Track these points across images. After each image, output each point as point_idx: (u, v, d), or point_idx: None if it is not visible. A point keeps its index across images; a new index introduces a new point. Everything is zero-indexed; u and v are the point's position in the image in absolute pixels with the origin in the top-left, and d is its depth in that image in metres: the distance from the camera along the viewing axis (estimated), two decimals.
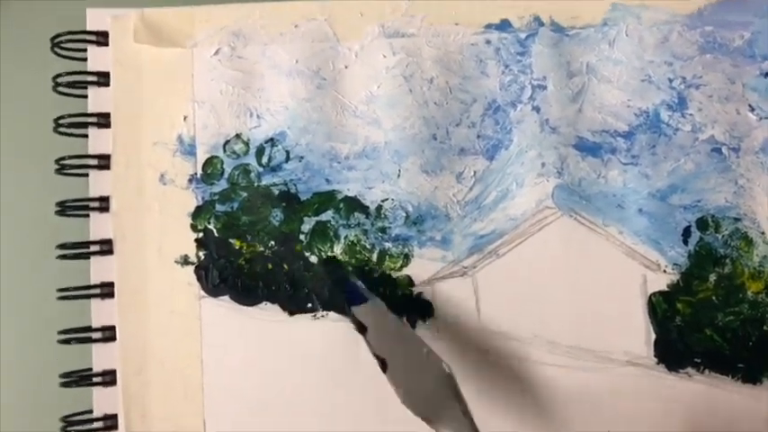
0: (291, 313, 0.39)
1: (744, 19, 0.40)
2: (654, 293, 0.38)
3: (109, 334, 0.38)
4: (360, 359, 0.38)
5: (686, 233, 0.39)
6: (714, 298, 0.38)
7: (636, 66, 0.40)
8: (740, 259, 0.39)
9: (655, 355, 0.38)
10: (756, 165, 0.39)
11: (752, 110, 0.39)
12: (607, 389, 0.38)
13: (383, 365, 0.33)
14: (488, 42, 0.40)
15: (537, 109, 0.39)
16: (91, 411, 0.38)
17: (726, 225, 0.39)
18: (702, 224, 0.39)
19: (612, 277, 0.38)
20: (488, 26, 0.40)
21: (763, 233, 0.39)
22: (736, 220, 0.39)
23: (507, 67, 0.40)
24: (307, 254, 0.39)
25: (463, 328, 0.39)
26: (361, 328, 0.35)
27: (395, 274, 0.39)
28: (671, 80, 0.39)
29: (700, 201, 0.39)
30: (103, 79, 0.40)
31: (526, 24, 0.40)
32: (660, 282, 0.38)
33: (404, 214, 0.39)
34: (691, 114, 0.39)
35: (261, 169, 0.40)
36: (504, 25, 0.40)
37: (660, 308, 0.38)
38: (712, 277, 0.38)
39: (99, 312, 0.39)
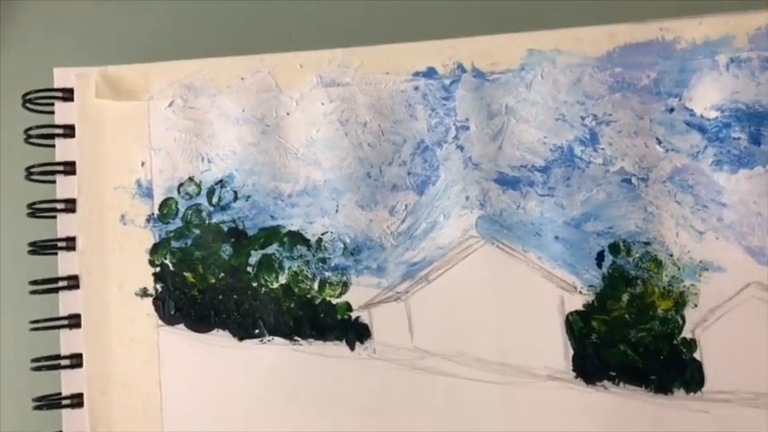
0: (241, 339, 0.42)
1: (650, 60, 0.42)
2: (571, 313, 0.41)
3: (76, 361, 0.41)
4: (303, 380, 0.41)
5: (600, 257, 0.41)
6: (627, 316, 0.41)
7: (551, 106, 0.42)
8: (650, 280, 0.41)
9: (573, 370, 0.41)
10: (664, 193, 0.42)
11: (659, 143, 0.42)
12: (530, 401, 0.40)
13: None
14: (416, 89, 0.43)
15: (461, 148, 0.43)
16: (61, 431, 0.42)
17: (636, 249, 0.41)
18: (614, 249, 0.41)
19: (532, 299, 0.41)
20: (416, 74, 0.43)
21: (671, 255, 0.41)
22: (646, 244, 0.41)
23: (434, 110, 0.43)
24: (254, 284, 0.43)
25: (398, 348, 0.42)
26: None
27: (335, 301, 0.42)
28: (583, 118, 0.42)
29: (612, 227, 0.42)
30: (69, 131, 0.43)
31: (450, 71, 0.43)
32: (576, 302, 0.41)
33: (342, 246, 0.43)
34: (602, 148, 0.42)
35: (212, 208, 0.43)
36: (430, 73, 0.43)
37: (577, 326, 0.41)
38: (625, 297, 0.41)
39: (67, 341, 0.42)
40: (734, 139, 0.41)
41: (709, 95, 0.42)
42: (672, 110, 0.42)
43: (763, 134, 0.41)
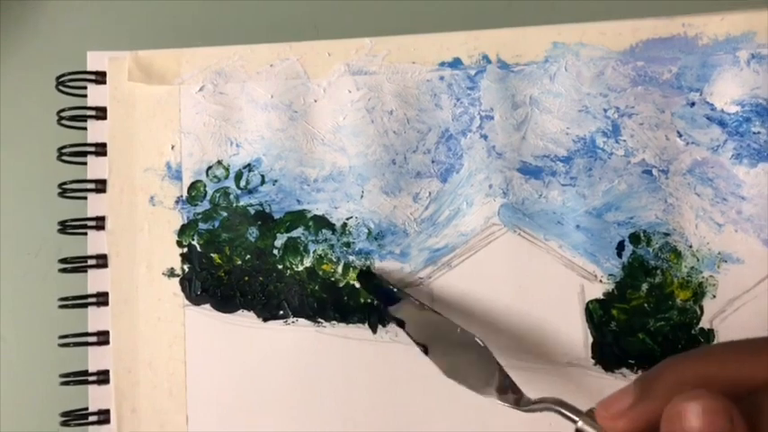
0: (265, 320, 0.43)
1: (671, 55, 0.43)
2: (591, 301, 0.42)
3: (103, 338, 0.42)
4: (325, 361, 0.42)
5: (620, 247, 0.42)
6: (646, 305, 0.41)
7: (574, 98, 0.43)
8: (670, 270, 0.42)
9: (592, 357, 0.41)
10: (684, 185, 0.43)
11: (679, 136, 0.43)
12: (549, 387, 0.41)
13: (425, 350, 0.38)
14: (442, 78, 0.44)
15: (485, 137, 0.44)
16: (87, 408, 0.42)
17: (656, 239, 0.42)
18: (635, 239, 0.42)
19: (553, 286, 0.42)
20: (442, 64, 0.44)
21: (690, 246, 0.42)
22: (666, 234, 0.42)
23: (458, 100, 0.44)
24: (279, 267, 0.43)
25: None
26: (400, 324, 0.39)
27: (358, 284, 0.43)
28: (606, 110, 0.43)
29: (632, 218, 0.42)
30: (101, 113, 0.44)
31: (475, 62, 0.44)
32: (597, 291, 0.42)
33: (366, 231, 0.43)
34: (624, 140, 0.43)
35: (239, 192, 0.44)
36: (455, 63, 0.44)
37: (597, 314, 0.42)
38: (644, 286, 0.42)
39: (95, 319, 0.43)
40: (754, 133, 0.42)
41: (729, 90, 0.43)
42: (693, 104, 0.43)
43: None
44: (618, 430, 0.29)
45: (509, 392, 0.37)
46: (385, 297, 0.41)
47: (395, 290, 0.41)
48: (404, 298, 0.40)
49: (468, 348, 0.38)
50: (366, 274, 0.42)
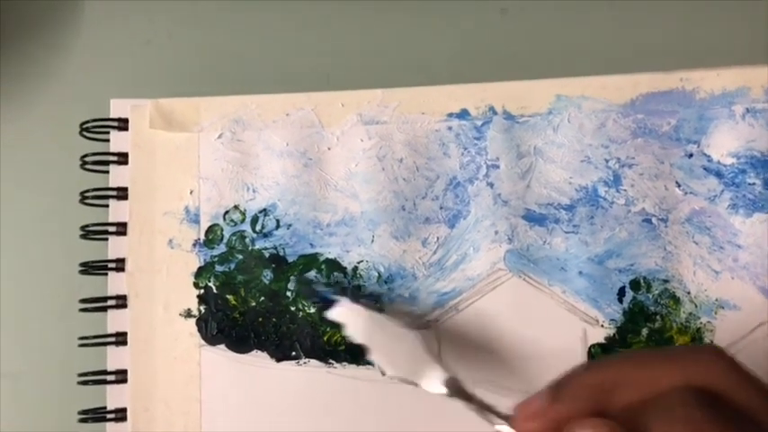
0: (278, 360, 0.44)
1: (670, 108, 0.45)
2: (593, 345, 0.43)
3: (121, 377, 0.44)
4: (336, 401, 0.43)
5: (621, 293, 0.44)
6: None
7: (576, 148, 0.45)
8: (669, 316, 0.43)
9: None
10: (682, 233, 0.44)
11: (678, 186, 0.44)
12: None
13: (366, 350, 0.39)
14: (450, 128, 0.46)
15: (491, 185, 0.45)
16: None
17: (656, 286, 0.44)
18: (635, 285, 0.44)
19: (557, 330, 0.43)
20: (450, 115, 0.46)
21: (688, 293, 0.43)
22: (665, 281, 0.44)
23: (466, 149, 0.46)
24: (292, 308, 0.45)
25: None
26: (338, 327, 0.41)
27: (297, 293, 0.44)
28: (607, 160, 0.45)
29: (633, 264, 0.44)
30: (123, 159, 0.45)
31: (482, 113, 0.46)
32: (599, 335, 0.43)
33: (376, 274, 0.45)
34: (624, 190, 0.45)
35: (255, 235, 0.45)
36: (463, 114, 0.46)
37: (599, 358, 0.44)
38: (644, 331, 0.43)
39: (113, 358, 0.44)
40: (749, 184, 0.44)
41: (726, 143, 0.45)
42: (691, 155, 0.45)
43: None
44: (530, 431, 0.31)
45: (443, 383, 0.38)
46: (321, 301, 0.42)
47: (331, 293, 0.42)
48: (339, 300, 0.42)
49: (405, 340, 0.39)
50: (303, 281, 0.44)
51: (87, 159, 0.45)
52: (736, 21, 0.48)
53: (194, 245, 0.45)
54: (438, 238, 0.45)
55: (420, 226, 0.45)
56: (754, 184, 0.44)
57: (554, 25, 0.49)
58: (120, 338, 0.44)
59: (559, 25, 0.49)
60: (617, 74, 0.46)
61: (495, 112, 0.46)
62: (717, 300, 0.43)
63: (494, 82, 0.46)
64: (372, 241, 0.45)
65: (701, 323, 0.43)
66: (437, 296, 0.44)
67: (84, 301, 0.44)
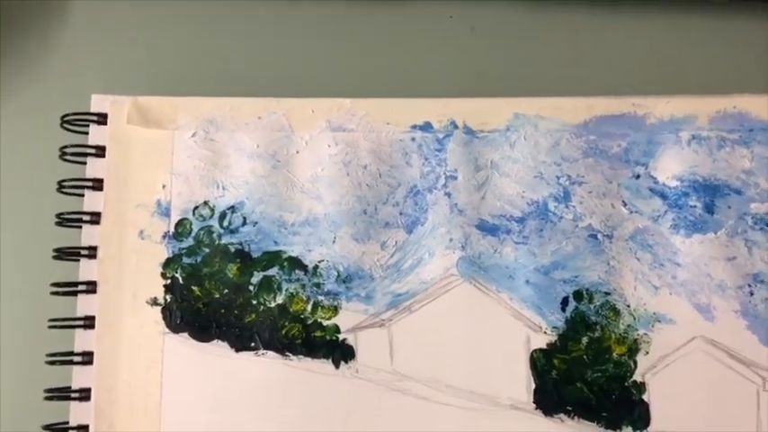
0: (238, 350, 0.46)
1: (621, 131, 0.47)
2: (535, 350, 0.45)
3: (88, 359, 0.45)
4: (291, 392, 0.45)
5: (564, 302, 0.46)
6: (585, 357, 0.45)
7: (530, 164, 0.47)
8: (608, 326, 0.45)
9: (534, 402, 0.45)
10: (626, 249, 0.46)
11: (624, 205, 0.47)
12: (494, 428, 0.44)
13: None
14: (413, 139, 0.48)
15: (448, 195, 0.47)
16: (67, 422, 0.45)
17: (598, 297, 0.46)
18: (578, 296, 0.46)
19: (502, 335, 0.45)
20: (414, 126, 0.48)
21: (628, 305, 0.45)
22: (607, 294, 0.46)
23: (427, 159, 0.48)
24: (254, 302, 0.47)
25: (379, 370, 0.46)
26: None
27: (325, 322, 0.46)
28: (558, 177, 0.47)
29: (577, 276, 0.46)
30: (100, 151, 0.47)
31: (444, 126, 0.48)
32: (541, 341, 0.45)
33: (336, 273, 0.47)
34: (573, 206, 0.47)
35: (222, 231, 0.47)
36: (426, 126, 0.48)
37: (540, 362, 0.45)
38: (584, 340, 0.45)
39: (81, 340, 0.46)
40: (691, 206, 0.46)
41: (671, 166, 0.47)
42: (638, 176, 0.47)
43: (716, 204, 0.46)
44: None
45: None
46: None
47: None
48: None
49: None
50: None
51: (66, 150, 0.47)
52: (688, 52, 0.51)
53: (164, 237, 0.47)
54: (396, 242, 0.47)
55: (380, 230, 0.47)
56: (695, 206, 0.47)
57: (520, 46, 0.52)
58: (89, 322, 0.46)
59: (524, 46, 0.52)
60: (573, 96, 0.48)
61: (456, 126, 0.48)
62: (654, 313, 0.46)
63: (456, 98, 0.48)
64: (334, 242, 0.47)
65: (638, 335, 0.45)
66: (392, 297, 0.46)
67: (56, 285, 0.46)
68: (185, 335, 0.46)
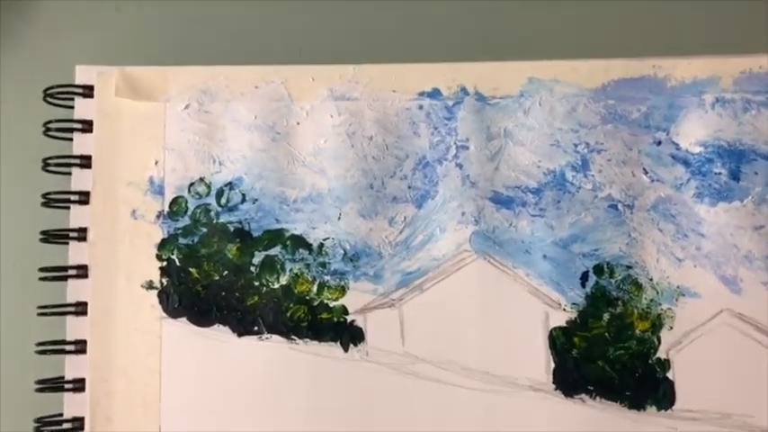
0: (240, 335, 0.44)
1: (641, 95, 0.45)
2: (554, 328, 0.44)
3: (81, 347, 0.43)
4: (297, 377, 0.43)
5: (584, 277, 0.44)
6: (606, 334, 0.43)
7: (546, 132, 0.45)
8: (630, 301, 0.44)
9: (553, 382, 0.43)
10: (647, 220, 0.44)
11: (645, 173, 0.45)
12: (511, 410, 0.43)
13: None
14: (421, 107, 0.46)
15: (460, 166, 0.45)
16: (61, 414, 0.43)
17: (619, 271, 0.44)
18: (598, 270, 0.44)
19: (519, 313, 0.44)
20: (421, 93, 0.46)
21: (651, 279, 0.44)
22: (628, 267, 0.44)
23: (436, 129, 0.46)
24: (256, 283, 0.45)
25: (390, 352, 0.44)
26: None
27: (332, 304, 0.44)
28: (576, 145, 0.45)
29: (597, 250, 0.44)
30: (87, 126, 0.45)
31: (453, 93, 0.46)
32: (560, 318, 0.44)
33: (342, 252, 0.45)
34: (592, 175, 0.45)
35: (219, 209, 0.45)
36: (434, 93, 0.46)
37: (559, 341, 0.44)
38: (606, 316, 0.44)
39: (73, 328, 0.44)
40: (715, 173, 0.44)
41: (694, 131, 0.45)
42: (659, 143, 0.45)
43: (742, 171, 0.44)
44: None
45: None
46: None
47: None
48: None
49: None
50: None
51: (51, 126, 0.45)
52: (709, 10, 0.48)
53: (158, 216, 0.45)
54: (405, 218, 0.45)
55: (388, 205, 0.45)
56: (720, 173, 0.44)
57: (530, 6, 0.49)
58: (80, 308, 0.44)
59: (535, 7, 0.49)
60: (589, 58, 0.45)
61: (466, 93, 0.45)
62: (678, 287, 0.44)
63: (466, 62, 0.46)
64: (339, 218, 0.45)
65: (661, 309, 0.44)
66: (402, 275, 0.44)
67: (44, 269, 0.44)
68: (184, 319, 0.44)
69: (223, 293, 0.44)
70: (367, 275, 0.44)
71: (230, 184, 0.45)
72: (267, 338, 0.44)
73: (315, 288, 0.44)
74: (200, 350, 0.44)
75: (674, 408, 0.43)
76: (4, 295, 0.46)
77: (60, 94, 0.45)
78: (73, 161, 0.45)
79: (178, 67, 0.46)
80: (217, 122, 0.45)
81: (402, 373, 0.44)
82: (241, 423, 0.43)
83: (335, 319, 0.44)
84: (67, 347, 0.43)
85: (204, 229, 0.45)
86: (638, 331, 0.44)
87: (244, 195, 0.45)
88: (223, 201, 0.45)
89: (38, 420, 0.43)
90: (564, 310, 0.44)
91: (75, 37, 0.48)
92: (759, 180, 0.44)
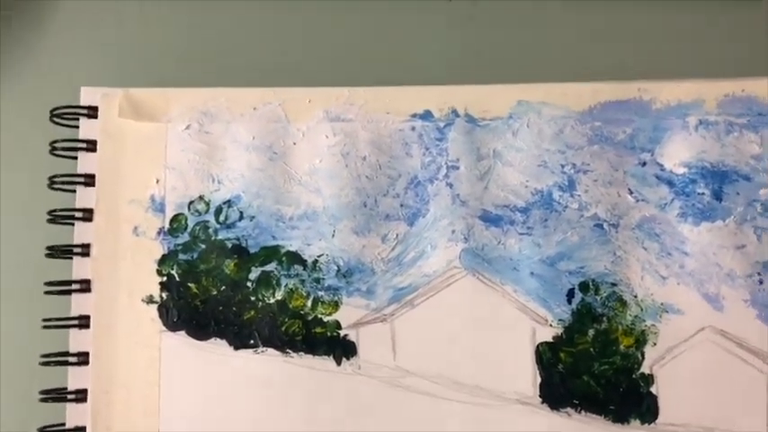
0: (236, 348, 0.45)
1: (626, 117, 0.46)
2: (541, 343, 0.44)
3: (83, 359, 0.44)
4: (292, 390, 0.45)
5: (570, 294, 0.45)
6: (592, 350, 0.44)
7: (534, 153, 0.46)
8: (615, 318, 0.45)
9: (540, 396, 0.44)
10: (632, 239, 0.45)
11: (630, 193, 0.46)
12: (500, 423, 0.44)
13: None
14: (413, 129, 0.47)
15: (450, 185, 0.46)
16: (64, 424, 0.44)
17: (604, 289, 0.45)
18: (584, 287, 0.45)
19: (507, 328, 0.45)
20: (414, 115, 0.47)
21: (635, 296, 0.45)
22: (613, 284, 0.45)
23: (428, 149, 0.47)
24: (252, 298, 0.46)
25: (381, 366, 0.45)
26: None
27: (325, 318, 0.45)
28: (563, 166, 0.46)
29: (583, 267, 0.45)
30: (92, 146, 0.46)
31: (445, 115, 0.47)
32: (546, 334, 0.45)
33: (336, 268, 0.46)
34: (578, 195, 0.46)
35: (218, 226, 0.46)
36: (426, 115, 0.47)
37: (546, 356, 0.45)
38: (591, 332, 0.44)
39: (76, 340, 0.45)
40: (698, 194, 0.45)
41: (678, 153, 0.46)
42: (644, 164, 0.46)
43: (724, 191, 0.45)
44: None
45: None
46: None
47: None
48: None
49: None
50: None
51: (57, 145, 0.46)
52: (694, 34, 0.50)
53: (159, 233, 0.46)
54: (397, 235, 0.46)
55: (380, 222, 0.46)
56: (703, 194, 0.45)
57: (521, 30, 0.50)
58: (83, 322, 0.45)
59: (524, 32, 0.50)
60: (577, 81, 0.47)
61: (457, 115, 0.47)
62: (662, 304, 0.45)
63: (457, 85, 0.47)
64: (333, 236, 0.46)
65: (645, 326, 0.45)
66: (394, 291, 0.45)
67: (49, 284, 0.45)
68: (183, 333, 0.45)
69: (221, 308, 0.45)
70: (360, 291, 0.46)
71: (229, 202, 0.46)
72: (263, 352, 0.45)
73: (309, 303, 0.45)
74: (197, 363, 0.45)
75: (657, 421, 0.44)
76: (11, 308, 0.47)
77: (66, 114, 0.46)
78: (77, 179, 0.46)
79: (179, 89, 0.47)
80: (217, 143, 0.47)
81: (393, 386, 0.45)
82: None
83: (329, 334, 0.45)
84: (70, 359, 0.45)
85: (203, 246, 0.46)
86: (622, 347, 0.44)
87: (241, 213, 0.46)
88: (221, 218, 0.46)
89: (41, 429, 0.44)
90: (550, 325, 0.45)
91: (81, 59, 0.50)
92: (741, 200, 0.45)
